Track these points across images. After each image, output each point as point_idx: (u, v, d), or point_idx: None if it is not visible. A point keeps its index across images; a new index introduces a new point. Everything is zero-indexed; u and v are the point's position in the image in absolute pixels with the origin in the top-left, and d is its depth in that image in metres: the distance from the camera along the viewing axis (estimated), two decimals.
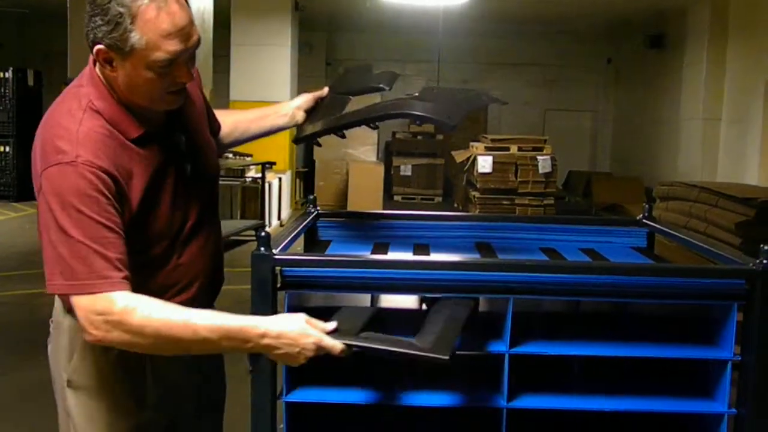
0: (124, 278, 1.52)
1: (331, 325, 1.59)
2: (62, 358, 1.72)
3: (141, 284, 1.57)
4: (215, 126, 1.97)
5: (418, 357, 1.54)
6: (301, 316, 1.57)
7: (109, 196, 1.53)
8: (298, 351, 1.54)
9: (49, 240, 1.51)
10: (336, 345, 1.55)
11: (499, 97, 2.09)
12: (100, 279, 1.49)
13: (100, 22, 1.52)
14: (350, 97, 2.13)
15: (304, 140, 2.10)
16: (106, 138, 1.57)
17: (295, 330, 1.54)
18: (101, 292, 1.49)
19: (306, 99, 2.13)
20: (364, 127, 2.03)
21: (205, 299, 1.80)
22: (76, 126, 1.55)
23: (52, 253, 1.51)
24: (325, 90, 2.17)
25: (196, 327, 1.51)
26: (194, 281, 1.77)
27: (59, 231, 1.50)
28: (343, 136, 2.06)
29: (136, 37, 1.51)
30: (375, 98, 2.30)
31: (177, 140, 1.72)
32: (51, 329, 1.78)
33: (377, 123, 2.01)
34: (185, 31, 1.56)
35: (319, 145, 2.19)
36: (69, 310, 1.68)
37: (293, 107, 2.10)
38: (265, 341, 1.53)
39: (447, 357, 1.52)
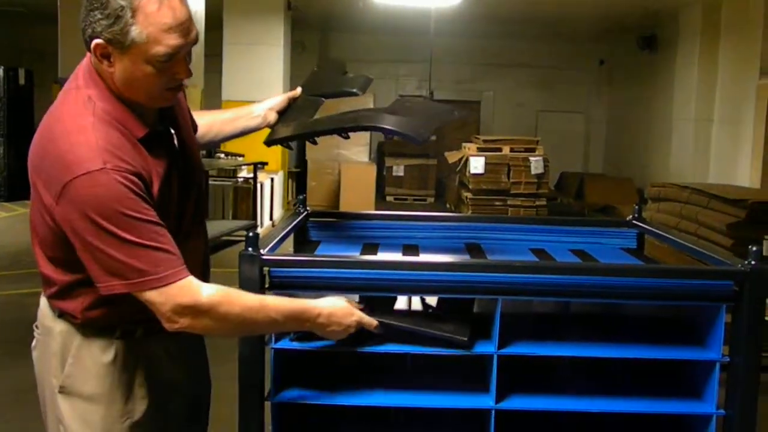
0: (183, 263, 1.56)
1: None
2: (53, 365, 1.69)
3: None
4: (195, 126, 1.96)
5: (440, 337, 1.74)
6: (343, 299, 1.72)
7: (143, 194, 1.53)
8: (344, 327, 1.69)
9: (95, 248, 1.50)
10: (372, 321, 1.73)
11: (466, 113, 2.12)
12: (170, 269, 1.53)
13: (99, 16, 1.50)
14: (323, 99, 2.12)
15: (275, 143, 2.08)
16: (122, 140, 1.56)
17: (342, 309, 1.69)
18: (177, 280, 1.53)
19: (278, 100, 2.12)
20: None
21: None
22: (90, 132, 1.53)
23: (103, 259, 1.50)
24: (298, 90, 2.16)
25: (269, 310, 1.61)
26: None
27: (109, 237, 1.49)
28: (315, 143, 2.06)
29: (136, 31, 1.50)
30: (349, 101, 2.30)
31: (171, 139, 1.72)
32: (36, 335, 1.76)
33: (348, 133, 2.01)
34: (185, 26, 1.55)
35: (291, 148, 2.18)
36: (60, 314, 1.68)
37: (265, 108, 2.10)
38: (320, 320, 1.67)
39: (466, 339, 1.73)
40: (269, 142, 2.07)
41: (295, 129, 2.03)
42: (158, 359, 1.74)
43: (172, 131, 1.73)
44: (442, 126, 2.00)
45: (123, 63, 1.54)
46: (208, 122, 2.06)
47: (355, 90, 2.13)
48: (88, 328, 1.67)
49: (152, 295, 1.52)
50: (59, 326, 1.68)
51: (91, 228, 1.49)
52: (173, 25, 1.53)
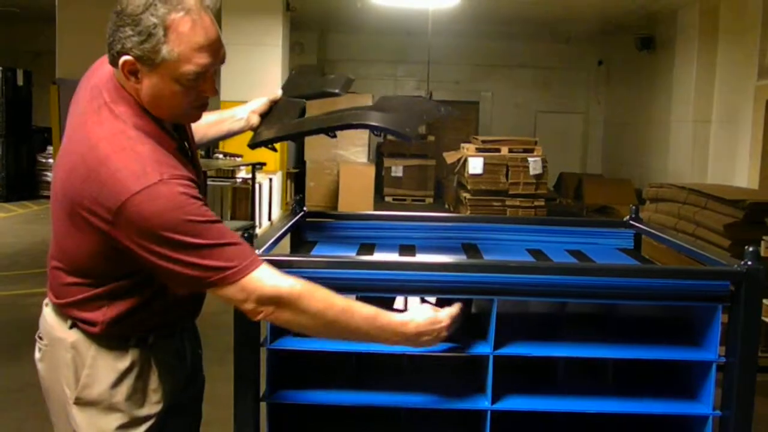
0: (255, 253, 1.57)
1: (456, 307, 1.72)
2: (66, 375, 1.68)
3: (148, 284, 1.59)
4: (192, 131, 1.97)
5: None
6: (428, 307, 1.68)
7: (199, 197, 1.54)
8: (435, 336, 1.65)
9: (169, 258, 1.49)
10: (456, 311, 1.70)
11: (452, 110, 2.09)
12: (245, 260, 1.52)
13: (130, 32, 1.49)
14: (304, 101, 2.12)
15: (259, 145, 2.07)
16: (163, 151, 1.56)
17: (427, 320, 1.64)
18: (254, 269, 1.52)
19: (260, 103, 2.11)
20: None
21: (198, 297, 1.81)
22: (136, 148, 1.52)
23: (179, 268, 1.50)
24: (279, 93, 2.16)
25: (354, 314, 1.59)
26: None
27: (180, 247, 1.48)
28: (295, 140, 2.06)
29: (167, 49, 1.50)
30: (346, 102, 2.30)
31: (185, 147, 1.73)
32: (42, 345, 1.73)
33: (335, 132, 2.00)
34: (216, 46, 1.55)
35: (274, 150, 2.17)
36: (73, 325, 1.66)
37: (248, 111, 2.09)
38: (410, 332, 1.62)
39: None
40: (253, 145, 2.07)
41: (278, 131, 2.03)
42: (169, 362, 1.74)
43: (184, 140, 1.74)
44: (428, 122, 1.99)
45: (151, 80, 1.54)
46: (192, 126, 2.05)
47: (336, 90, 2.13)
48: (105, 337, 1.66)
49: (233, 291, 1.52)
50: (72, 336, 1.67)
51: (162, 241, 1.48)
52: (204, 44, 1.53)
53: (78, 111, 1.63)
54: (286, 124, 2.04)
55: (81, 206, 1.53)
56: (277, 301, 1.54)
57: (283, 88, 2.19)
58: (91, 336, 1.66)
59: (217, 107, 2.14)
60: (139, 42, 1.49)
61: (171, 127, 1.68)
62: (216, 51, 1.56)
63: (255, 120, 2.09)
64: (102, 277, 1.61)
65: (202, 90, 1.59)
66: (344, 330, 1.60)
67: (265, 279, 1.54)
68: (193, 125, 2.04)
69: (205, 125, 2.06)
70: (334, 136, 2.04)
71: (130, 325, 1.66)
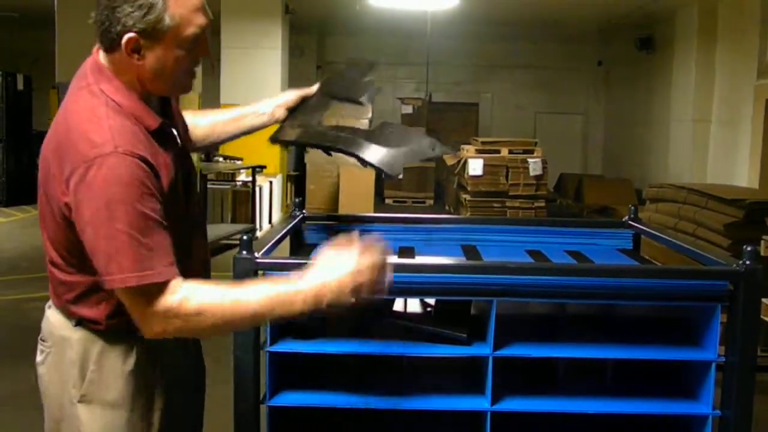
0: (170, 264, 1.51)
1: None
2: (71, 374, 1.67)
3: None
4: (186, 127, 1.96)
5: (440, 334, 1.76)
6: (332, 255, 1.55)
7: (149, 185, 1.52)
8: (347, 293, 1.52)
9: (100, 235, 1.49)
10: (371, 261, 1.53)
11: (449, 149, 2.03)
12: (150, 270, 1.48)
13: (129, 9, 1.51)
14: (334, 101, 2.10)
15: (280, 143, 2.06)
16: (134, 129, 1.56)
17: (335, 278, 1.51)
18: (156, 281, 1.48)
19: (290, 97, 2.08)
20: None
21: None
22: (104, 120, 1.54)
23: (105, 246, 1.49)
24: (314, 89, 2.11)
25: (248, 305, 1.51)
26: (195, 278, 1.77)
27: (99, 223, 1.48)
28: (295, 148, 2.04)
29: (169, 16, 1.53)
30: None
31: (174, 136, 1.72)
32: (45, 347, 1.73)
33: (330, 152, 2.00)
34: (204, 4, 1.61)
35: (288, 150, 2.13)
36: (79, 323, 1.66)
37: (274, 105, 2.06)
38: (312, 300, 1.51)
39: (465, 335, 1.77)
40: (275, 140, 2.04)
41: (299, 135, 2.01)
42: (173, 355, 1.74)
43: (174, 130, 1.73)
44: (417, 161, 1.98)
45: (155, 52, 1.56)
46: (210, 123, 2.04)
47: (362, 100, 2.09)
48: (110, 333, 1.66)
49: (125, 296, 1.50)
50: (77, 334, 1.67)
51: (90, 207, 1.48)
52: (199, 4, 1.58)
53: (63, 102, 1.65)
54: (305, 130, 2.01)
55: (52, 185, 1.56)
56: (174, 315, 1.49)
57: (323, 83, 2.14)
58: (97, 333, 1.66)
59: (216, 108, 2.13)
60: (141, 16, 1.52)
61: (158, 107, 1.69)
62: (206, 10, 1.61)
63: (280, 114, 2.05)
64: (89, 266, 1.59)
65: (199, 52, 1.63)
66: (245, 319, 1.54)
67: (167, 293, 1.49)
68: (211, 122, 2.03)
69: (223, 122, 2.05)
70: (330, 155, 2.03)
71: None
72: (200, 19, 1.58)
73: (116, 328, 1.65)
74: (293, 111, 2.07)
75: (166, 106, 1.73)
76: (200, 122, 2.01)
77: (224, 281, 1.55)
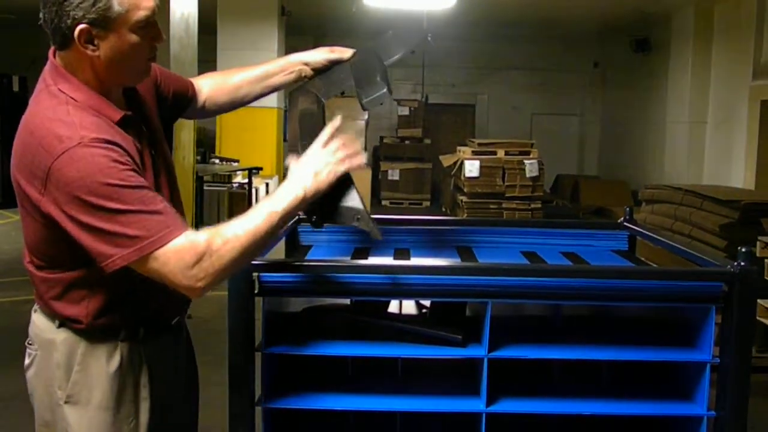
0: (179, 217, 1.55)
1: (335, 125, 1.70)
2: (57, 376, 1.68)
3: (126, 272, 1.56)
4: (188, 92, 1.95)
5: (436, 335, 1.77)
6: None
7: (126, 162, 1.53)
8: (329, 169, 1.65)
9: (88, 226, 1.49)
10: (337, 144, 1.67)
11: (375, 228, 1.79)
12: (165, 228, 1.50)
13: (77, 1, 1.52)
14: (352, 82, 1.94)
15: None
16: (99, 121, 1.57)
17: (312, 166, 1.65)
18: (174, 237, 1.50)
19: (318, 58, 1.97)
20: (351, 131, 2.00)
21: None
22: (65, 117, 1.55)
23: (98, 236, 1.49)
24: (346, 55, 1.95)
25: (258, 228, 1.56)
26: None
27: (98, 212, 1.48)
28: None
29: (117, 2, 1.54)
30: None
31: (140, 125, 1.73)
32: (32, 351, 1.73)
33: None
34: None
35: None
36: (62, 324, 1.67)
37: (300, 62, 1.98)
38: (308, 195, 1.63)
39: (460, 337, 1.77)
40: (291, 93, 1.95)
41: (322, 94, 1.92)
42: (159, 355, 1.75)
43: (140, 119, 1.74)
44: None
45: (109, 41, 1.57)
46: (236, 84, 2.02)
47: (362, 105, 1.93)
48: (93, 333, 1.66)
49: (155, 265, 1.50)
50: (61, 336, 1.67)
51: (81, 207, 1.48)
52: None
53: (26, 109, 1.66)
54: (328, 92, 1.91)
55: (23, 186, 1.57)
56: (210, 264, 1.51)
57: (358, 53, 1.95)
58: (79, 333, 1.66)
59: None
60: (90, 6, 1.53)
61: (121, 100, 1.69)
62: None
63: (308, 73, 1.98)
64: (67, 263, 1.61)
65: (153, 37, 1.63)
66: (261, 242, 1.58)
67: (184, 242, 1.51)
68: (237, 82, 2.01)
69: (249, 81, 2.02)
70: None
71: (117, 319, 1.66)
72: (149, 2, 1.59)
73: (100, 327, 1.66)
74: (319, 73, 1.98)
75: (133, 97, 1.73)
76: (228, 82, 2.01)
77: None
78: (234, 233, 1.54)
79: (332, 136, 1.70)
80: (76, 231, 1.51)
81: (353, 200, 1.75)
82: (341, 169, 1.67)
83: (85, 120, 1.55)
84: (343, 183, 1.73)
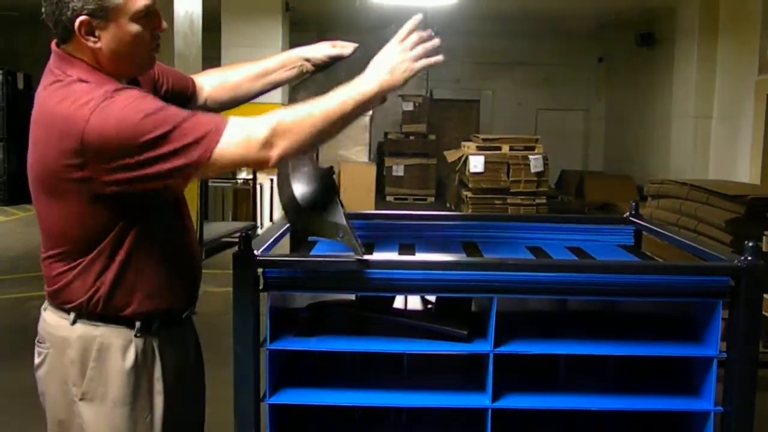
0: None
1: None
2: (71, 373, 1.68)
3: (153, 252, 1.62)
4: (188, 90, 1.96)
5: (441, 331, 1.77)
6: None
7: (146, 92, 1.59)
8: (404, 67, 1.71)
9: (152, 160, 1.52)
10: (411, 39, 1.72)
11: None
12: (217, 117, 1.57)
13: None
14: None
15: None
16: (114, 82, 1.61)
17: (384, 61, 1.70)
18: (226, 120, 1.55)
19: (319, 53, 1.96)
20: (356, 127, 1.99)
21: (192, 276, 1.84)
22: (82, 87, 1.57)
23: (167, 161, 1.52)
24: (347, 50, 1.94)
25: (332, 111, 1.61)
26: (189, 255, 1.82)
27: (156, 144, 1.51)
28: None
29: None
30: None
31: None
32: (44, 349, 1.73)
33: None
34: None
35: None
36: (75, 320, 1.67)
37: (301, 58, 1.99)
38: (384, 89, 1.69)
39: (466, 333, 1.76)
40: (295, 87, 1.98)
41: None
42: (171, 349, 1.76)
43: None
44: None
45: (110, 32, 1.58)
46: (237, 80, 2.02)
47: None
48: (108, 326, 1.67)
49: (231, 150, 1.54)
50: (77, 332, 1.67)
51: (136, 150, 1.51)
52: None
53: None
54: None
55: (53, 169, 1.57)
56: (275, 131, 1.56)
57: (358, 49, 1.94)
58: (94, 326, 1.67)
59: None
60: None
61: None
62: None
63: (309, 69, 1.99)
64: (88, 244, 1.63)
65: (155, 26, 1.64)
66: (331, 123, 1.62)
67: (243, 120, 1.57)
68: (238, 80, 2.02)
69: (249, 78, 2.02)
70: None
71: (131, 303, 1.67)
72: None
73: (114, 312, 1.66)
74: (321, 69, 1.97)
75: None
76: (229, 79, 2.01)
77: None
78: (308, 111, 1.59)
79: (411, 32, 1.70)
80: (140, 174, 1.52)
81: (337, 216, 1.76)
82: (417, 66, 1.69)
83: (101, 80, 1.58)
84: (329, 198, 1.76)
